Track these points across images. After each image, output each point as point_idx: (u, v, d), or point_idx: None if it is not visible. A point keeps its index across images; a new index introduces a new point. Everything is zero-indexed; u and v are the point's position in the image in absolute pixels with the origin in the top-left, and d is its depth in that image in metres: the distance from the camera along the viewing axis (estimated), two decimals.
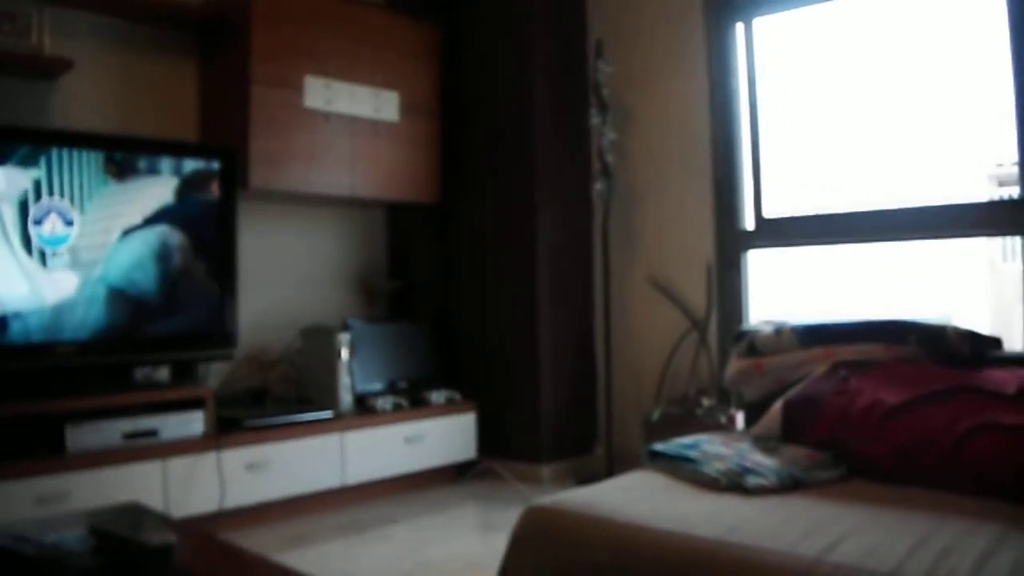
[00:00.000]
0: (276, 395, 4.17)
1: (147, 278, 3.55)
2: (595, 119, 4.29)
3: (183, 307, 3.65)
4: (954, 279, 3.79)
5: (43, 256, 3.26)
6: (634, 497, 2.20)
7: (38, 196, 3.25)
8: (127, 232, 3.49)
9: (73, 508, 3.02)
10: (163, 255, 3.59)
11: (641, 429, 4.05)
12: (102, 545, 1.68)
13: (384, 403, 4.15)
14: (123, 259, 3.49)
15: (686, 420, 3.83)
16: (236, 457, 3.56)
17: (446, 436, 4.33)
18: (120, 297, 3.48)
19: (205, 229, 3.72)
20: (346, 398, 4.04)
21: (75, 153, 3.34)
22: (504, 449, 4.45)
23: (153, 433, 3.39)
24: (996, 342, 2.71)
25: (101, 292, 3.42)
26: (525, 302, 4.43)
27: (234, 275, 3.79)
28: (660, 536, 1.95)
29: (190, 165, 3.66)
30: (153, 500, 3.23)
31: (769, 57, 4.17)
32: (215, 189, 3.73)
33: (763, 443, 2.60)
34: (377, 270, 4.90)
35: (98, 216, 3.42)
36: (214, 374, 4.00)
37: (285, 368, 4.26)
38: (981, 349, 2.66)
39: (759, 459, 2.41)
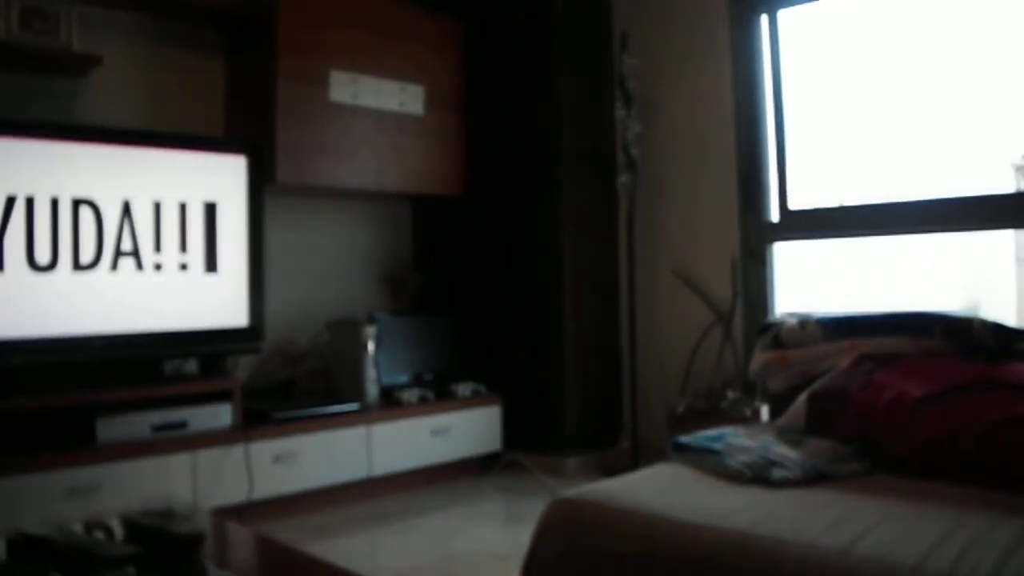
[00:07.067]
0: (303, 388, 4.21)
1: None
2: (620, 111, 4.29)
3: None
4: (980, 271, 3.76)
5: None
6: (659, 489, 2.21)
7: None
8: None
9: (104, 499, 3.07)
10: None
11: (666, 421, 4.05)
12: (133, 535, 1.71)
13: (410, 396, 4.17)
14: None
15: (711, 413, 3.83)
16: (264, 449, 3.59)
17: (472, 428, 4.35)
18: None
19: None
20: (372, 391, 4.06)
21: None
22: (529, 441, 4.46)
23: (182, 425, 3.43)
24: (1023, 335, 2.69)
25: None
26: (550, 294, 4.44)
27: (261, 268, 3.82)
28: (685, 528, 1.95)
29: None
30: (182, 492, 3.28)
31: (794, 49, 4.15)
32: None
33: (788, 436, 2.60)
34: (402, 263, 4.92)
35: None
36: (242, 367, 4.03)
37: (312, 361, 4.29)
38: (1008, 342, 2.64)
39: (784, 452, 2.41)
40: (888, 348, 2.77)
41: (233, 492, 3.48)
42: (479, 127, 4.70)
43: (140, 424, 3.33)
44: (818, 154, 4.11)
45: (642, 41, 4.47)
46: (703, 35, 4.36)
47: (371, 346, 4.07)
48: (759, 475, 2.26)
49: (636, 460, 4.16)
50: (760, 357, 3.09)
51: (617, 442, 4.59)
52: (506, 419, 4.50)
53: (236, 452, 3.51)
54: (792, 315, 3.10)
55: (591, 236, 4.56)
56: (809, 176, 4.12)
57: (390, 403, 4.14)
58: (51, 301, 3.24)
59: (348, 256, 4.67)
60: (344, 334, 4.15)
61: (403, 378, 4.33)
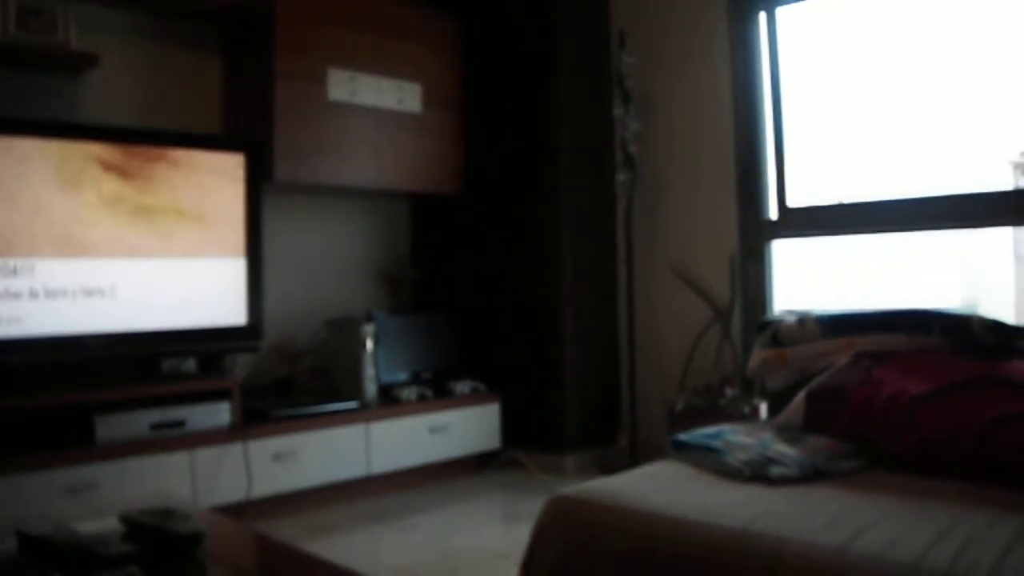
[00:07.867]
0: (302, 386, 4.20)
1: None
2: (618, 110, 4.29)
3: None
4: (979, 269, 3.76)
5: None
6: (658, 487, 2.21)
7: None
8: None
9: (102, 498, 3.07)
10: None
11: (665, 419, 4.05)
12: (132, 533, 1.71)
13: (409, 394, 4.17)
14: None
15: (710, 410, 3.83)
16: (263, 447, 3.59)
17: (470, 426, 4.35)
18: None
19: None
20: (371, 389, 4.06)
21: None
22: (528, 439, 4.47)
23: (180, 424, 3.43)
24: (1022, 332, 2.69)
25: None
26: (549, 292, 4.43)
27: (260, 266, 3.82)
28: (684, 526, 1.95)
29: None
30: (181, 490, 3.27)
31: (792, 46, 4.15)
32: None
33: (786, 433, 2.60)
34: (401, 261, 4.92)
35: None
36: (240, 365, 4.03)
37: (311, 359, 4.29)
38: (1006, 339, 2.64)
39: (782, 449, 2.41)
40: (886, 346, 2.77)
41: (232, 490, 3.48)
42: (478, 125, 4.69)
43: (139, 422, 3.33)
44: (817, 152, 4.11)
45: (641, 39, 4.46)
46: (702, 33, 4.36)
47: (370, 344, 4.06)
48: (757, 472, 2.26)
49: (635, 458, 4.16)
50: (759, 355, 3.09)
51: (616, 440, 4.58)
52: (505, 417, 4.49)
53: (235, 450, 3.50)
54: (791, 313, 3.11)
55: (590, 234, 4.56)
56: (808, 174, 4.11)
57: (389, 401, 4.14)
58: (50, 300, 3.23)
59: (346, 254, 4.67)
60: (343, 332, 4.15)
61: (402, 376, 4.33)
